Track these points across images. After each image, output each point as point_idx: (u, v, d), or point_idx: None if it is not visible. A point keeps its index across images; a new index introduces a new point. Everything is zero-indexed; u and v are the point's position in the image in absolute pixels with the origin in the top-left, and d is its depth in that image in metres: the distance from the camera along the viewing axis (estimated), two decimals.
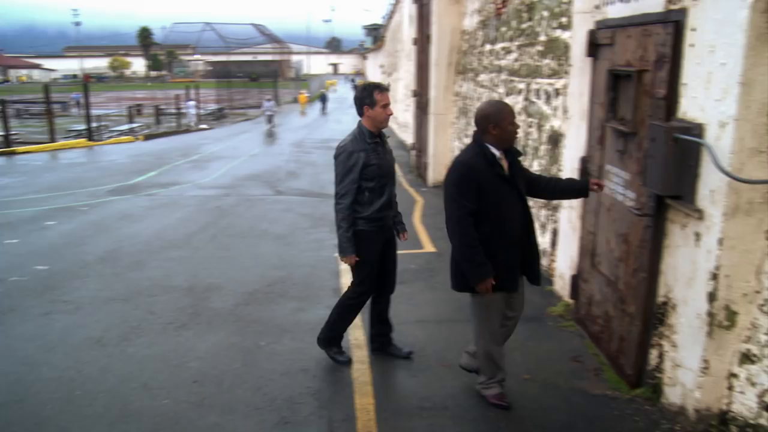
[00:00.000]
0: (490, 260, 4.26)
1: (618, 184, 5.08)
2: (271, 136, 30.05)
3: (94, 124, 28.00)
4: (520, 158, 4.56)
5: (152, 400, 4.81)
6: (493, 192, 4.26)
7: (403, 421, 4.51)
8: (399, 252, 5.42)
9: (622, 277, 5.06)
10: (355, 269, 5.18)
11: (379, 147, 5.00)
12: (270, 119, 34.34)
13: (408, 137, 21.87)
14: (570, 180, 4.92)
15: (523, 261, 4.49)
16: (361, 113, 4.98)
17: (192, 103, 38.36)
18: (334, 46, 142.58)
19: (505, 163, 4.38)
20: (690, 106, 4.13)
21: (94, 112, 29.38)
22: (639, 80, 4.72)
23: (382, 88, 4.97)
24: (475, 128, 4.42)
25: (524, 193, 4.46)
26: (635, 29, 4.82)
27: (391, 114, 5.01)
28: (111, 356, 5.56)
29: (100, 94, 61.95)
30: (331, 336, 5.40)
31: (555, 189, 4.75)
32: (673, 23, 4.24)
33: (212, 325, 6.27)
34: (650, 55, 4.56)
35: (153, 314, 6.54)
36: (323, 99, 47.75)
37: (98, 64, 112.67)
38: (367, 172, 4.90)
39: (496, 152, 4.33)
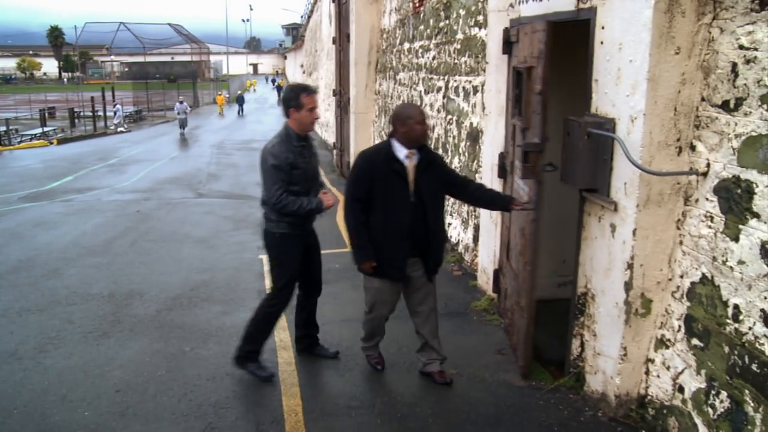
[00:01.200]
0: (376, 248, 4.62)
1: (520, 179, 5.17)
2: (184, 141, 27.90)
3: (2, 128, 26.77)
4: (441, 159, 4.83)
5: (72, 413, 4.60)
6: (384, 185, 4.57)
7: (332, 421, 4.48)
8: (323, 252, 5.37)
9: (521, 271, 5.17)
10: (277, 274, 5.05)
11: (305, 150, 4.87)
12: (182, 123, 31.39)
13: (330, 136, 21.83)
14: (495, 195, 5.13)
15: (422, 256, 4.76)
16: (287, 115, 4.81)
17: (119, 106, 37.08)
18: (253, 46, 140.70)
19: (410, 161, 4.59)
20: (602, 102, 4.26)
21: (2, 115, 28.12)
22: (528, 76, 4.86)
23: (310, 91, 4.82)
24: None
25: (427, 192, 4.63)
26: (530, 27, 4.93)
27: (318, 117, 4.90)
28: (27, 369, 5.30)
29: (8, 96, 59.33)
30: (250, 350, 5.06)
31: (480, 200, 5.15)
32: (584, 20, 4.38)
33: (135, 332, 6.07)
34: (535, 52, 4.68)
35: (71, 324, 6.28)
36: (240, 101, 46.22)
37: (5, 64, 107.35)
38: (293, 175, 4.73)
39: (403, 150, 4.58)
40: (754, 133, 3.36)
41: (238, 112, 44.67)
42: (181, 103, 32.79)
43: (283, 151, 4.71)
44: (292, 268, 4.98)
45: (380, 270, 4.69)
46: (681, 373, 3.95)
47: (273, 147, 4.76)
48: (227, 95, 47.91)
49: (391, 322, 5.12)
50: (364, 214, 4.62)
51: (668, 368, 4.06)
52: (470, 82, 7.65)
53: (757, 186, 3.34)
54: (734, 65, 3.49)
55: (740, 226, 3.46)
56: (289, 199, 4.70)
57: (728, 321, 3.56)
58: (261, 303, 5.15)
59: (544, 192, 5.93)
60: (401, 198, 4.57)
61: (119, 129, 34.54)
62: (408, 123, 4.53)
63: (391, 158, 4.58)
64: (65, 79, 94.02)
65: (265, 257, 8.40)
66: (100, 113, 37.44)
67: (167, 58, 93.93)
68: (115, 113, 36.08)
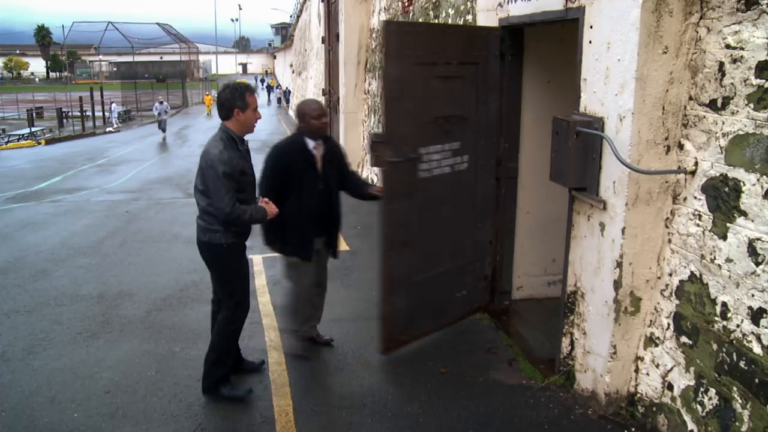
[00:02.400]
0: (293, 231, 5.02)
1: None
2: (164, 146, 25.62)
3: None
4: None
5: (61, 415, 4.57)
6: (299, 174, 4.96)
7: (323, 421, 4.48)
8: None
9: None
10: (232, 287, 4.71)
11: (247, 155, 4.60)
12: (162, 126, 28.63)
13: None
14: (362, 183, 5.57)
15: (327, 236, 5.24)
16: (228, 117, 4.44)
17: (115, 105, 36.79)
18: (242, 45, 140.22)
19: (318, 151, 5.04)
20: (590, 100, 4.27)
21: None
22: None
23: (251, 90, 4.53)
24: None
25: (332, 179, 5.12)
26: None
27: (260, 117, 4.64)
28: (15, 371, 5.25)
29: None
30: (222, 375, 4.78)
31: (356, 188, 5.39)
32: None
33: (124, 333, 6.03)
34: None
35: (60, 325, 6.23)
36: None
37: None
38: (242, 182, 4.43)
39: (311, 142, 5.02)
40: (741, 132, 3.38)
41: None
42: (161, 103, 29.77)
43: (233, 157, 4.36)
44: (247, 278, 4.79)
45: (298, 250, 5.09)
46: (670, 370, 3.97)
47: (221, 153, 4.33)
48: (215, 95, 47.21)
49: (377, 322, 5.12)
50: (277, 204, 4.78)
51: (657, 366, 4.08)
52: None
53: (745, 184, 3.36)
54: (721, 64, 3.51)
55: (728, 225, 3.49)
56: (241, 208, 4.40)
57: (716, 319, 3.59)
58: (220, 326, 4.79)
59: (532, 192, 6.04)
60: (312, 185, 5.00)
61: (107, 129, 34.31)
62: (305, 119, 5.01)
63: (303, 150, 5.01)
64: (51, 80, 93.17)
65: (257, 257, 8.43)
66: (89, 113, 37.20)
67: (156, 58, 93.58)
68: (111, 112, 35.87)
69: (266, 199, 4.68)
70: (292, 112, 43.66)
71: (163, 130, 28.58)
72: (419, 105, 5.01)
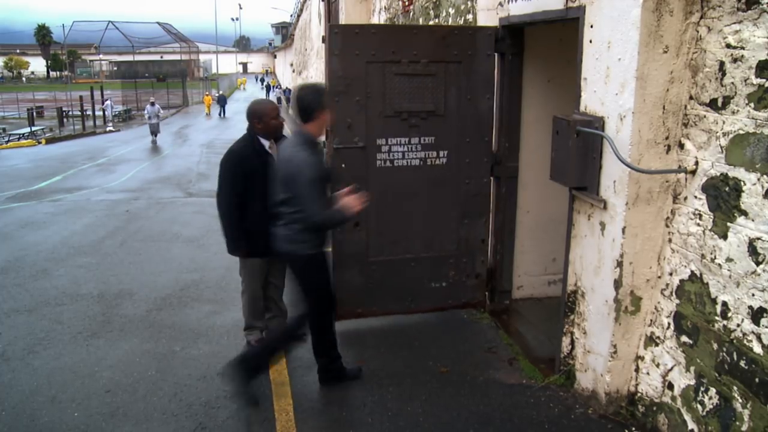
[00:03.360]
0: (259, 232, 4.79)
1: None
2: (156, 150, 23.92)
3: None
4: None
5: (62, 414, 4.57)
6: (260, 176, 4.85)
7: (323, 420, 4.48)
8: None
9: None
10: (308, 293, 4.58)
11: (322, 157, 4.63)
12: (154, 130, 26.46)
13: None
14: None
15: None
16: (310, 119, 4.31)
17: (109, 102, 36.73)
18: (242, 44, 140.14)
19: (273, 151, 5.05)
20: (591, 100, 4.27)
21: None
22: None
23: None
24: (249, 120, 5.13)
25: None
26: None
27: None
28: (15, 370, 5.26)
29: None
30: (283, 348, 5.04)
31: None
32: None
33: (124, 332, 6.04)
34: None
35: (61, 324, 6.24)
36: (221, 101, 42.48)
37: None
38: (323, 186, 4.36)
39: (266, 142, 5.09)
40: (741, 132, 3.38)
41: (220, 114, 41.70)
42: (152, 105, 27.09)
43: (318, 162, 4.28)
44: (329, 278, 4.74)
45: (257, 250, 5.06)
46: (670, 370, 3.97)
47: (308, 158, 4.19)
48: (216, 94, 46.88)
49: (383, 327, 5.12)
50: (239, 209, 4.99)
51: (658, 365, 4.08)
52: None
53: (745, 184, 3.36)
54: (722, 64, 3.51)
55: (728, 224, 3.49)
56: (330, 212, 4.30)
57: (717, 318, 3.59)
58: (310, 321, 4.73)
59: (532, 191, 6.06)
60: (267, 185, 4.79)
61: (108, 128, 34.25)
62: (265, 119, 5.07)
63: (260, 151, 5.06)
64: (52, 79, 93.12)
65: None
66: (89, 112, 37.20)
67: (156, 57, 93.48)
68: (104, 109, 35.79)
69: (346, 191, 4.51)
70: (292, 111, 43.82)
71: (153, 134, 26.48)
72: (375, 99, 5.42)
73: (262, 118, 5.06)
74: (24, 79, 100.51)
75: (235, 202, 4.99)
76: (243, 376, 4.51)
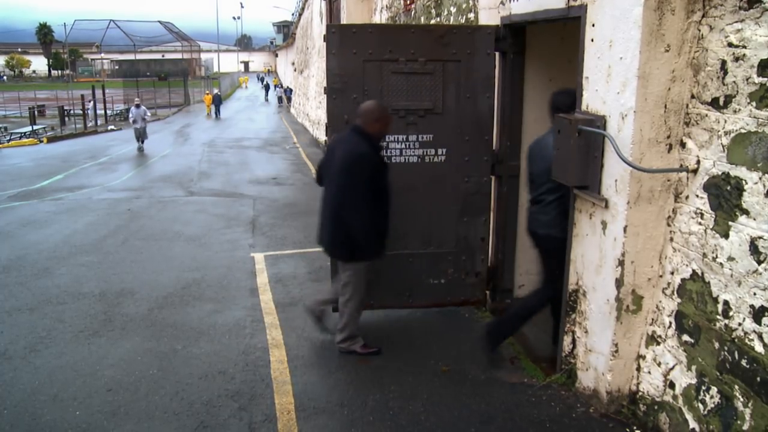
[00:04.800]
0: (382, 235, 5.15)
1: None
2: (143, 157, 21.43)
3: None
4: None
5: (63, 412, 4.58)
6: (382, 177, 5.05)
7: (325, 419, 4.48)
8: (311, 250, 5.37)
9: None
10: (558, 271, 4.91)
11: None
12: (139, 135, 23.08)
13: (321, 134, 21.80)
14: None
15: None
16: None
17: (92, 104, 36.57)
18: (244, 43, 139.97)
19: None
20: (592, 99, 4.27)
21: None
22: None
23: None
24: (362, 121, 5.06)
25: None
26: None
27: None
28: (17, 369, 5.26)
29: None
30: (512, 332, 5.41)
31: None
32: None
33: (126, 331, 6.05)
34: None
35: (62, 323, 6.25)
36: (216, 101, 40.90)
37: None
38: None
39: (378, 144, 5.22)
40: (743, 131, 3.38)
41: (215, 115, 40.06)
42: (138, 106, 23.63)
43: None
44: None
45: (383, 251, 5.26)
46: (672, 369, 3.97)
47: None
48: (217, 92, 46.68)
49: (384, 325, 5.13)
50: (371, 211, 4.98)
51: (659, 364, 4.08)
52: None
53: (747, 183, 3.36)
54: (723, 63, 3.51)
55: (730, 223, 3.48)
56: None
57: (718, 317, 3.59)
58: (541, 296, 5.15)
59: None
60: (388, 186, 5.11)
61: (109, 127, 34.19)
62: (381, 121, 5.06)
63: (378, 151, 5.15)
64: (53, 78, 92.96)
65: (258, 255, 8.45)
66: (90, 111, 37.20)
67: (158, 56, 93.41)
68: (87, 110, 35.50)
69: None
70: (293, 110, 43.73)
71: (139, 140, 23.16)
72: (372, 97, 5.44)
73: (379, 120, 5.06)
74: (21, 76, 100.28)
75: (368, 205, 4.98)
76: (490, 341, 5.23)
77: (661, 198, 3.98)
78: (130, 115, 23.98)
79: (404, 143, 5.66)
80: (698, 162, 3.74)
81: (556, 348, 5.02)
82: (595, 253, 4.36)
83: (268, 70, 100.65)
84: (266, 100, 58.25)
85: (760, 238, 3.28)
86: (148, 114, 26.63)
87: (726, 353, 3.53)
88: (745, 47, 3.35)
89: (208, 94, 44.94)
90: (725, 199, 3.51)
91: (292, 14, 56.37)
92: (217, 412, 4.56)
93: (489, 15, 5.98)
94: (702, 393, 3.71)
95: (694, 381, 3.79)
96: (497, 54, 5.73)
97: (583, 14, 4.29)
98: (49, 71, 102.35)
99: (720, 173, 3.56)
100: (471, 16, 7.22)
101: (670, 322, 4.00)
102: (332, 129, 5.54)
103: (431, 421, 4.43)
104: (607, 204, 4.15)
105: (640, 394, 4.27)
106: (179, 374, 5.14)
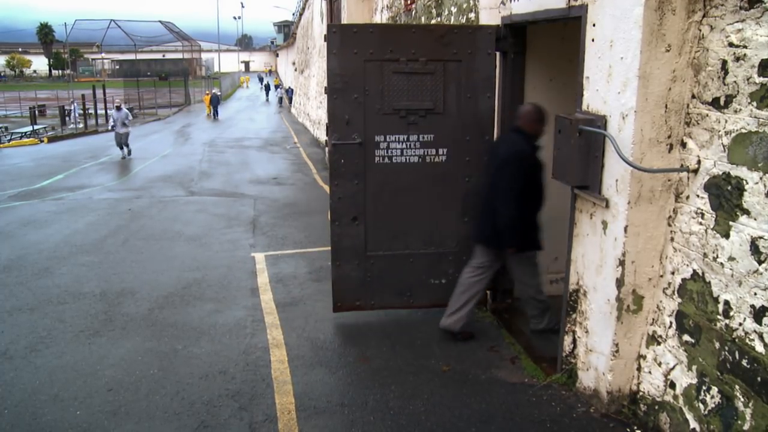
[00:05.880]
0: (535, 228, 5.46)
1: None
2: (125, 168, 18.52)
3: None
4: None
5: (64, 412, 4.58)
6: (537, 173, 5.26)
7: (325, 419, 4.48)
8: (313, 250, 5.37)
9: None
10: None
11: None
12: (121, 141, 20.30)
13: (322, 134, 21.81)
14: None
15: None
16: None
17: (75, 105, 36.40)
18: (245, 43, 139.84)
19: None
20: (593, 99, 4.27)
21: None
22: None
23: None
24: (522, 122, 5.25)
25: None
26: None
27: None
28: (18, 369, 5.27)
29: None
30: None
31: None
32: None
33: (126, 330, 6.05)
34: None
35: (63, 323, 6.25)
36: (214, 101, 39.75)
37: None
38: None
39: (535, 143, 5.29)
40: (744, 130, 3.37)
41: (213, 115, 39.00)
42: (119, 109, 20.81)
43: None
44: None
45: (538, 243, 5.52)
46: (672, 369, 3.97)
47: None
48: (218, 92, 46.51)
49: (385, 324, 5.12)
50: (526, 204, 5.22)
51: (660, 364, 4.08)
52: None
53: (747, 183, 3.36)
54: (724, 63, 3.51)
55: (730, 223, 3.48)
56: None
57: (719, 317, 3.58)
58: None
59: None
60: (542, 183, 5.30)
61: (109, 127, 33.99)
62: (542, 122, 5.19)
63: (536, 149, 5.26)
64: (54, 78, 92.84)
65: (259, 255, 8.47)
66: (91, 111, 37.11)
67: (158, 56, 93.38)
68: (71, 111, 35.29)
69: None
70: (294, 110, 43.70)
71: (121, 147, 20.43)
72: (373, 97, 5.56)
73: (538, 121, 5.20)
74: (22, 76, 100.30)
75: (519, 199, 5.18)
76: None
77: (662, 198, 3.98)
78: (111, 119, 21.55)
79: (405, 143, 5.68)
80: (699, 162, 3.73)
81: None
82: (596, 253, 4.36)
83: (269, 69, 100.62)
84: (267, 100, 58.31)
85: (760, 238, 3.28)
86: (130, 117, 23.98)
87: (726, 353, 3.53)
88: (745, 47, 3.35)
89: (207, 93, 44.60)
90: (726, 199, 3.51)
91: (293, 14, 56.40)
92: (217, 412, 4.56)
93: (489, 15, 5.98)
94: (702, 393, 3.71)
95: (694, 381, 3.79)
96: (498, 54, 5.73)
97: (584, 14, 4.29)
98: (50, 71, 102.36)
99: (721, 173, 3.55)
100: (471, 16, 7.22)
101: (671, 322, 3.99)
102: (333, 129, 5.54)
103: (431, 420, 4.42)
104: (608, 204, 4.15)
105: (641, 394, 4.26)
106: (180, 374, 5.14)
